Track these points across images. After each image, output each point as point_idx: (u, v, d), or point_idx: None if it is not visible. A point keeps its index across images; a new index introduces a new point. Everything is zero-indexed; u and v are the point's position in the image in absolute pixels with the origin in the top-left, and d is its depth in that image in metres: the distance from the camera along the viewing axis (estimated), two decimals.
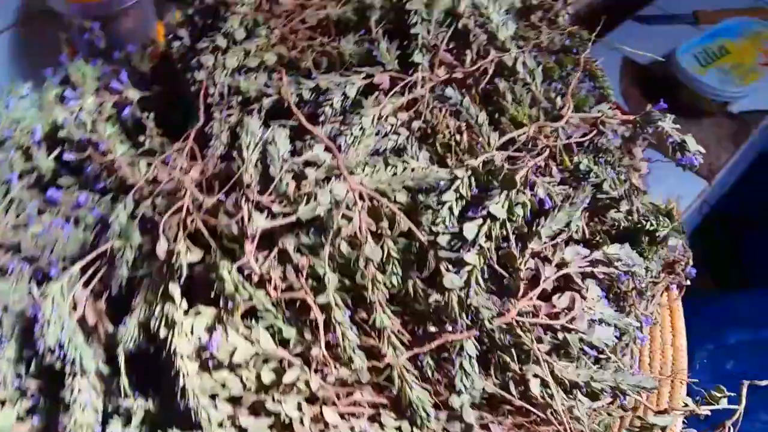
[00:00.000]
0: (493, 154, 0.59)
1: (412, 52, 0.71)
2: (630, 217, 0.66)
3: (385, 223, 0.59)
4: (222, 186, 0.65)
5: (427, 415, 0.55)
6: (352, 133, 0.64)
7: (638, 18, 1.46)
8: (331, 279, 0.56)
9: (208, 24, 0.81)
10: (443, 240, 0.55)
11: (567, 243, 0.64)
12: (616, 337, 0.60)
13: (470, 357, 0.55)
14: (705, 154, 0.64)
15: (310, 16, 0.77)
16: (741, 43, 1.30)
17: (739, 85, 1.24)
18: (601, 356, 0.63)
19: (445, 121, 0.71)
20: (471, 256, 0.55)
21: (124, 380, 0.59)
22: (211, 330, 0.56)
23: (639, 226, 0.65)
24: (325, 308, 0.56)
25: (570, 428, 0.55)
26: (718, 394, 0.63)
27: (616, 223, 0.67)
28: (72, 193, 0.80)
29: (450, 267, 0.56)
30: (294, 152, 0.64)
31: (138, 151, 0.80)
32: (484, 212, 0.54)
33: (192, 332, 0.56)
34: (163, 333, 0.56)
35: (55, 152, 0.82)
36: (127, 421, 0.59)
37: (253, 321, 0.59)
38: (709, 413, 0.62)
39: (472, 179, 0.57)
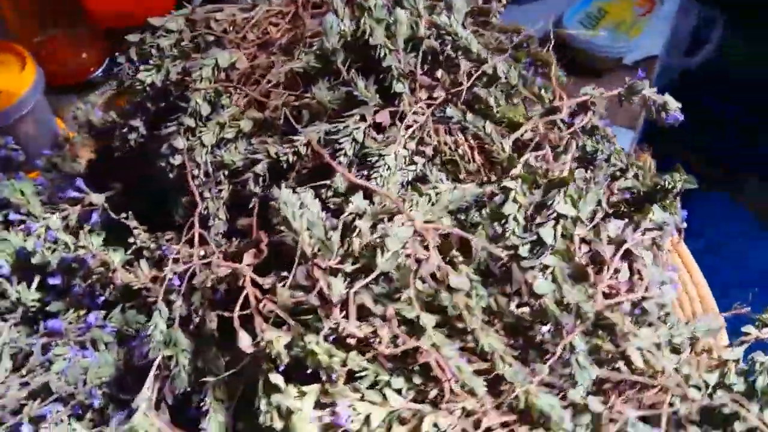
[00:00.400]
0: (527, 156, 0.61)
1: (390, 84, 0.71)
2: (642, 181, 0.71)
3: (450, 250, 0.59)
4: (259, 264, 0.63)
5: (561, 418, 0.56)
6: (381, 175, 0.64)
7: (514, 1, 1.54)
8: (427, 319, 0.56)
9: (161, 108, 0.77)
10: (524, 251, 0.56)
11: (602, 221, 0.67)
12: None
13: (582, 351, 0.57)
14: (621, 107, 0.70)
15: (273, 74, 0.76)
16: (615, 2, 1.42)
17: (627, 39, 1.36)
18: (661, 313, 0.67)
19: (443, 138, 0.73)
20: (551, 259, 0.57)
21: None
22: (328, 407, 0.54)
23: (658, 186, 0.70)
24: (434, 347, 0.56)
25: (683, 383, 0.59)
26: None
27: (633, 191, 0.71)
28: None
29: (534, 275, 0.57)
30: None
31: (128, 252, 0.75)
32: (554, 213, 0.56)
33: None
34: (279, 425, 0.53)
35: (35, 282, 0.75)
36: None
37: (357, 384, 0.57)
38: None
39: (524, 187, 0.59)
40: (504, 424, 0.58)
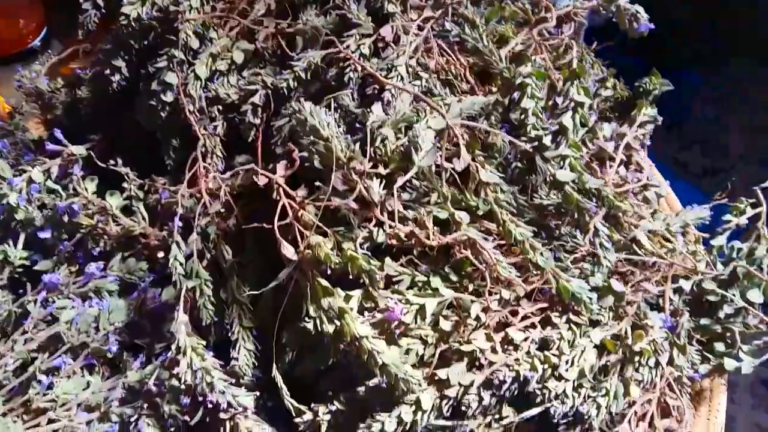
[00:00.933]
0: (534, 59, 0.64)
1: (381, 6, 0.72)
2: (620, 87, 0.76)
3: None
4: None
5: (590, 299, 0.59)
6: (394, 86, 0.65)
7: None
8: (463, 216, 0.58)
9: (145, 46, 0.75)
10: (547, 140, 0.59)
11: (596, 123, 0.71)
12: None
13: (604, 234, 0.60)
14: None
15: (262, 3, 0.75)
16: None
17: None
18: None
19: (438, 59, 0.74)
20: (567, 149, 0.60)
21: (286, 395, 0.56)
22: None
23: (640, 89, 0.75)
24: (469, 242, 0.57)
25: (691, 257, 0.63)
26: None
27: (614, 98, 0.76)
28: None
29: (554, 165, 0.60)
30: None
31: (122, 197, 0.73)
32: (571, 103, 0.59)
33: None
34: (330, 328, 0.54)
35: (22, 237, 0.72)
36: None
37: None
38: None
39: (539, 82, 0.62)
40: (538, 311, 0.61)
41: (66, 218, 0.71)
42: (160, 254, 0.71)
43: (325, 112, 0.62)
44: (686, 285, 0.71)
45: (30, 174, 0.72)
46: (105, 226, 0.72)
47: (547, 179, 0.61)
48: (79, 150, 0.75)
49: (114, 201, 0.70)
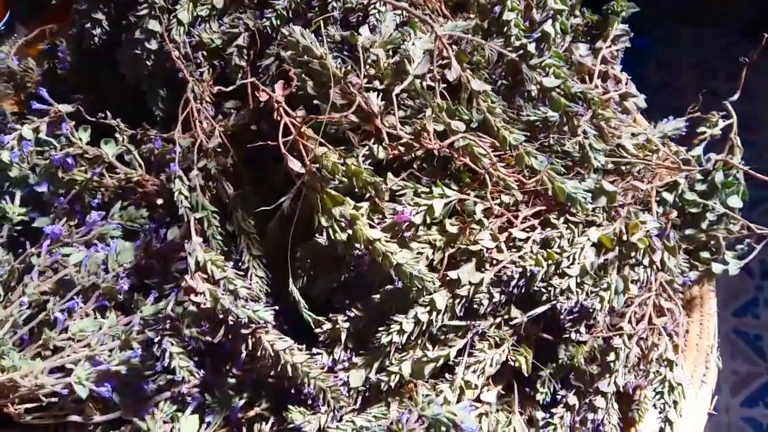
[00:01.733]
0: None
1: None
2: (588, 14, 0.79)
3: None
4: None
5: (585, 198, 0.61)
6: (378, 10, 0.67)
7: None
8: (459, 125, 0.60)
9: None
10: (532, 47, 0.61)
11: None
12: None
13: (592, 135, 0.63)
14: None
15: None
16: None
17: None
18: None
19: None
20: (552, 60, 0.63)
21: (304, 308, 0.58)
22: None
23: (608, 11, 0.78)
24: (468, 147, 0.59)
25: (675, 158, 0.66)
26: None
27: (585, 24, 0.79)
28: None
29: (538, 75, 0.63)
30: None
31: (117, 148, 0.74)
32: (551, 11, 0.61)
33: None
34: (342, 236, 0.55)
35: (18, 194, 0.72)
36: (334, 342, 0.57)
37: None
38: None
39: None
40: (536, 214, 0.63)
41: (61, 173, 0.71)
42: (159, 201, 0.72)
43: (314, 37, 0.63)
44: (669, 196, 0.74)
45: (20, 131, 0.72)
46: (101, 179, 0.72)
47: (534, 88, 0.63)
48: (66, 108, 0.75)
49: (109, 149, 0.71)
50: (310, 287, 0.62)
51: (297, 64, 0.61)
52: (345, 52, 0.67)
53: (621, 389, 0.68)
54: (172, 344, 0.55)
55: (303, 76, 0.61)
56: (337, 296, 0.61)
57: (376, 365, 0.56)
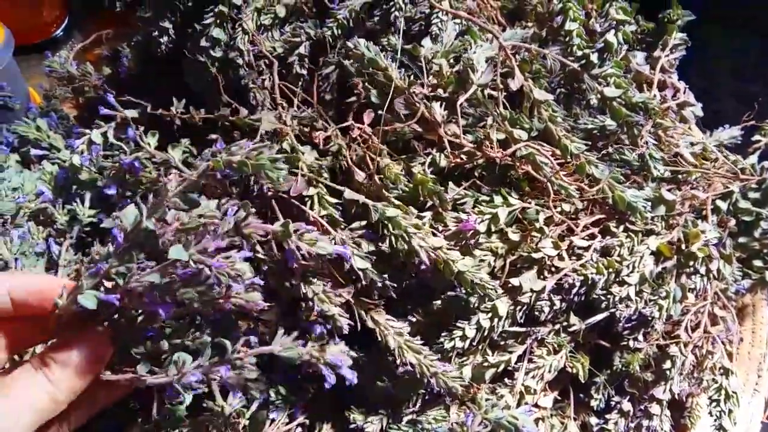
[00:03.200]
0: None
1: None
2: (642, 21, 0.79)
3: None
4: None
5: (645, 207, 0.62)
6: (440, 19, 0.67)
7: None
8: (521, 134, 0.61)
9: (189, 8, 0.77)
10: (594, 57, 0.61)
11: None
12: None
13: (653, 145, 0.63)
14: None
15: None
16: None
17: None
18: None
19: None
20: (612, 70, 0.63)
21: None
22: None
23: (664, 20, 0.78)
24: (529, 156, 0.60)
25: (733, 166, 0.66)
26: None
27: (640, 32, 0.79)
28: None
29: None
30: None
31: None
32: (613, 21, 0.62)
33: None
34: (404, 246, 0.56)
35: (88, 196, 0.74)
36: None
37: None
38: None
39: (577, 7, 0.64)
40: (596, 223, 0.63)
41: (129, 176, 0.73)
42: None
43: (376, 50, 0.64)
44: (723, 204, 0.74)
45: (89, 136, 0.74)
46: (168, 178, 0.74)
47: (595, 98, 0.63)
48: (132, 113, 0.77)
49: (176, 153, 0.72)
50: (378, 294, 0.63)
51: (360, 75, 0.62)
52: (406, 61, 0.68)
53: (675, 396, 0.68)
54: None
55: (366, 85, 0.61)
56: (399, 303, 0.61)
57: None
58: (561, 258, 0.59)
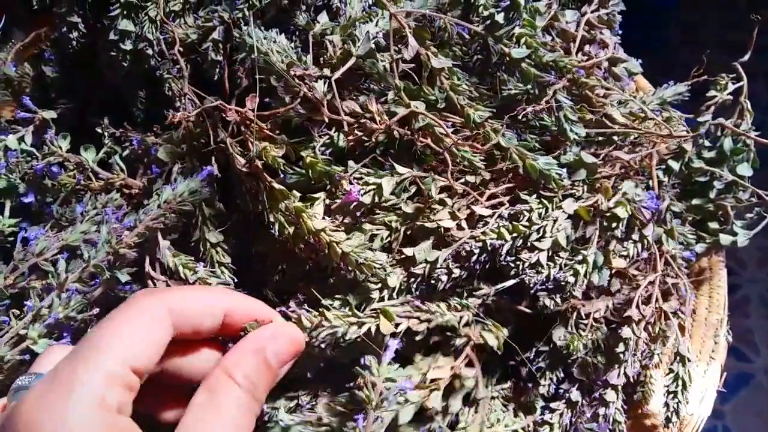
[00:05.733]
0: None
1: None
2: None
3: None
4: None
5: (559, 175, 0.58)
6: None
7: None
8: (419, 105, 0.58)
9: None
10: (500, 17, 0.58)
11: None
12: None
13: (567, 107, 0.59)
14: None
15: None
16: None
17: None
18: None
19: None
20: (521, 30, 0.60)
21: None
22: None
23: None
24: (428, 128, 0.57)
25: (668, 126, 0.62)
26: None
27: None
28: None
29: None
30: None
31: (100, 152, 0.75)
32: None
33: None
34: (290, 230, 0.55)
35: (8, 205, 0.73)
36: None
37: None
38: None
39: None
40: (507, 191, 0.61)
41: (47, 181, 0.73)
42: (146, 201, 0.73)
43: (276, 33, 0.62)
44: (675, 164, 0.70)
45: (5, 142, 0.74)
46: (87, 183, 0.73)
47: (505, 61, 0.61)
48: (50, 114, 0.77)
49: (89, 155, 0.72)
50: (281, 281, 0.61)
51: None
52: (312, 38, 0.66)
53: (630, 379, 0.65)
54: None
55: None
56: (305, 285, 0.60)
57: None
58: (460, 228, 0.57)
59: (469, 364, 0.57)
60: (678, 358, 0.65)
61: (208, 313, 0.41)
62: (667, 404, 0.66)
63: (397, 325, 0.53)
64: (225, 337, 0.45)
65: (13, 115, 0.93)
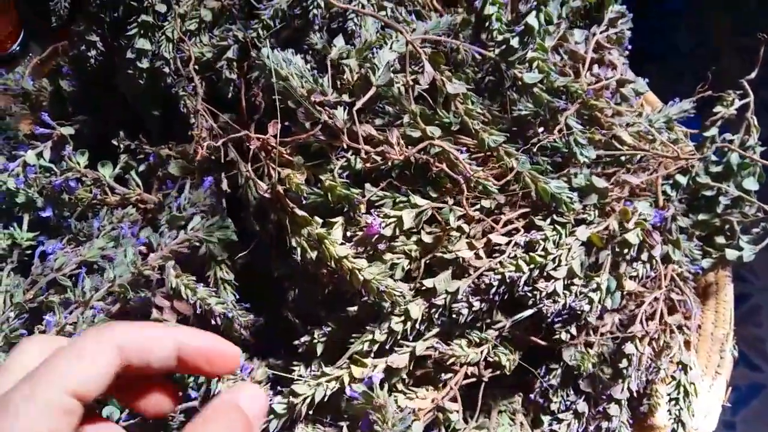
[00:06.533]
0: None
1: None
2: None
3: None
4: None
5: (570, 200, 0.60)
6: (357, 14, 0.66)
7: None
8: (434, 130, 0.59)
9: (115, 18, 0.77)
10: (515, 42, 0.59)
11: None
12: None
13: (578, 130, 0.61)
14: None
15: None
16: None
17: None
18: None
19: None
20: (534, 53, 0.61)
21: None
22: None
23: None
24: (443, 153, 0.59)
25: (676, 148, 0.64)
26: None
27: (584, 7, 0.76)
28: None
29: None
30: None
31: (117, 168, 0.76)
32: (534, 2, 0.59)
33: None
34: (312, 255, 0.56)
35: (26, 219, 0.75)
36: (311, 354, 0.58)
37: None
38: None
39: None
40: (523, 216, 0.62)
41: (65, 195, 0.74)
42: (159, 216, 0.74)
43: (292, 53, 0.63)
44: (682, 179, 0.72)
45: (24, 158, 0.75)
46: (104, 197, 0.75)
47: (517, 85, 0.62)
48: (68, 130, 0.78)
49: (106, 171, 0.73)
50: (296, 305, 0.63)
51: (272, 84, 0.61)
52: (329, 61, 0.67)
53: (633, 394, 0.66)
54: None
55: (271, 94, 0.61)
56: (323, 309, 0.61)
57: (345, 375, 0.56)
58: (478, 257, 0.58)
59: (453, 399, 0.59)
60: (680, 366, 0.67)
61: (156, 346, 0.42)
62: (669, 411, 0.67)
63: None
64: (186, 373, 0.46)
65: (30, 128, 0.94)
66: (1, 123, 0.96)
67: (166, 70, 0.74)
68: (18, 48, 1.28)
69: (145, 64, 0.74)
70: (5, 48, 1.26)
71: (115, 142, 0.78)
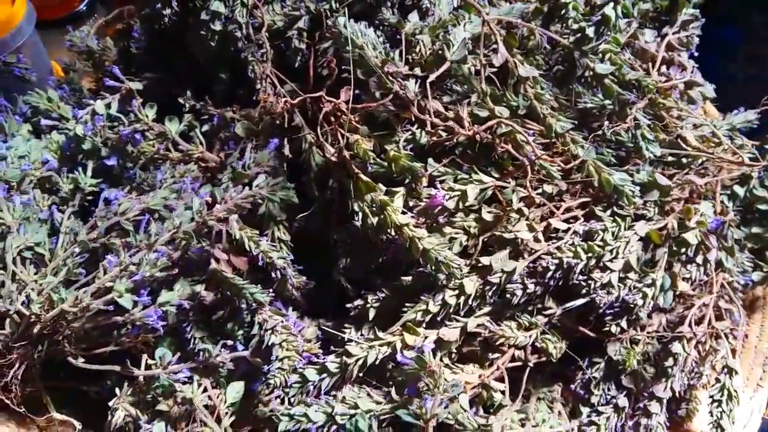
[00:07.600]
0: None
1: None
2: None
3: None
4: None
5: (632, 192, 0.59)
6: None
7: None
8: (503, 111, 0.59)
9: None
10: (590, 31, 0.59)
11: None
12: None
13: (646, 125, 0.60)
14: None
15: None
16: None
17: None
18: None
19: None
20: (608, 46, 0.61)
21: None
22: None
23: None
24: (510, 134, 0.59)
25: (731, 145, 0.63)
26: None
27: (654, 9, 0.75)
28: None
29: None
30: None
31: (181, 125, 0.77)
32: None
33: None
34: (373, 220, 0.56)
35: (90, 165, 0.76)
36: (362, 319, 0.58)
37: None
38: None
39: None
40: (582, 205, 0.62)
41: (129, 147, 0.75)
42: (219, 175, 0.75)
43: (365, 26, 0.63)
44: (740, 190, 0.71)
45: (93, 106, 0.76)
46: (167, 152, 0.76)
47: (588, 75, 0.61)
48: (136, 85, 0.79)
49: (173, 126, 0.74)
50: (349, 270, 0.63)
51: (346, 53, 0.62)
52: (399, 36, 0.67)
53: (676, 394, 0.66)
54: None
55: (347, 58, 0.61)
56: (374, 277, 0.61)
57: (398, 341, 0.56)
58: (537, 240, 0.58)
59: (499, 379, 0.59)
60: (726, 369, 0.66)
61: None
62: (711, 413, 0.66)
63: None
64: None
65: (93, 85, 0.96)
66: (68, 77, 0.99)
67: (238, 34, 0.75)
68: (85, 8, 1.30)
69: (218, 26, 0.75)
70: (73, 6, 1.28)
71: (181, 101, 0.79)
